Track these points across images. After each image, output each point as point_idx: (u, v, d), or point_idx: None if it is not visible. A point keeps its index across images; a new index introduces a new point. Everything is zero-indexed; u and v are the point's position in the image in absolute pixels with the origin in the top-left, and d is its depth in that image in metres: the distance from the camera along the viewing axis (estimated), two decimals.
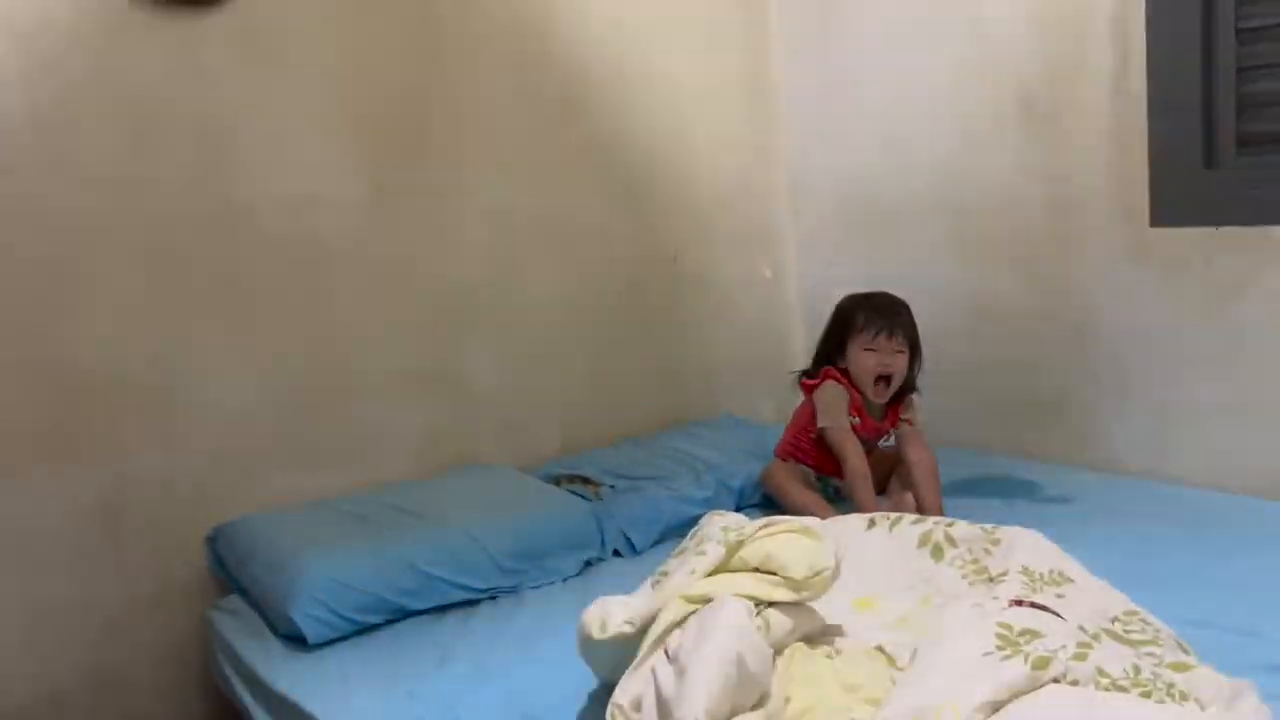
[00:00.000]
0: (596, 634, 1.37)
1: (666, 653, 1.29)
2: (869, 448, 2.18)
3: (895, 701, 1.16)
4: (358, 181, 2.21)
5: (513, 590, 1.89)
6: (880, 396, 2.15)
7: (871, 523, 1.86)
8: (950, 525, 1.79)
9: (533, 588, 1.91)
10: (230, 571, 1.99)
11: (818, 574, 1.35)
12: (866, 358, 2.13)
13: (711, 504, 2.12)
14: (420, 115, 2.30)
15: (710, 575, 1.40)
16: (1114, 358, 2.32)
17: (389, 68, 2.24)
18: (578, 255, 2.58)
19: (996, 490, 2.22)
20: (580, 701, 1.46)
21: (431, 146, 2.32)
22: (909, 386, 2.20)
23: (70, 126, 1.87)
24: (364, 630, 1.76)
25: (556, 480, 2.29)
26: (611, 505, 2.13)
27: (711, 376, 2.86)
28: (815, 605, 1.42)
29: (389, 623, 1.79)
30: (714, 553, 1.41)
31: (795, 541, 1.40)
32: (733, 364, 2.91)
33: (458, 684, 1.56)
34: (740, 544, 1.41)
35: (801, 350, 2.97)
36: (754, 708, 1.23)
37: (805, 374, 2.25)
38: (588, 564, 2.00)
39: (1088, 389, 2.37)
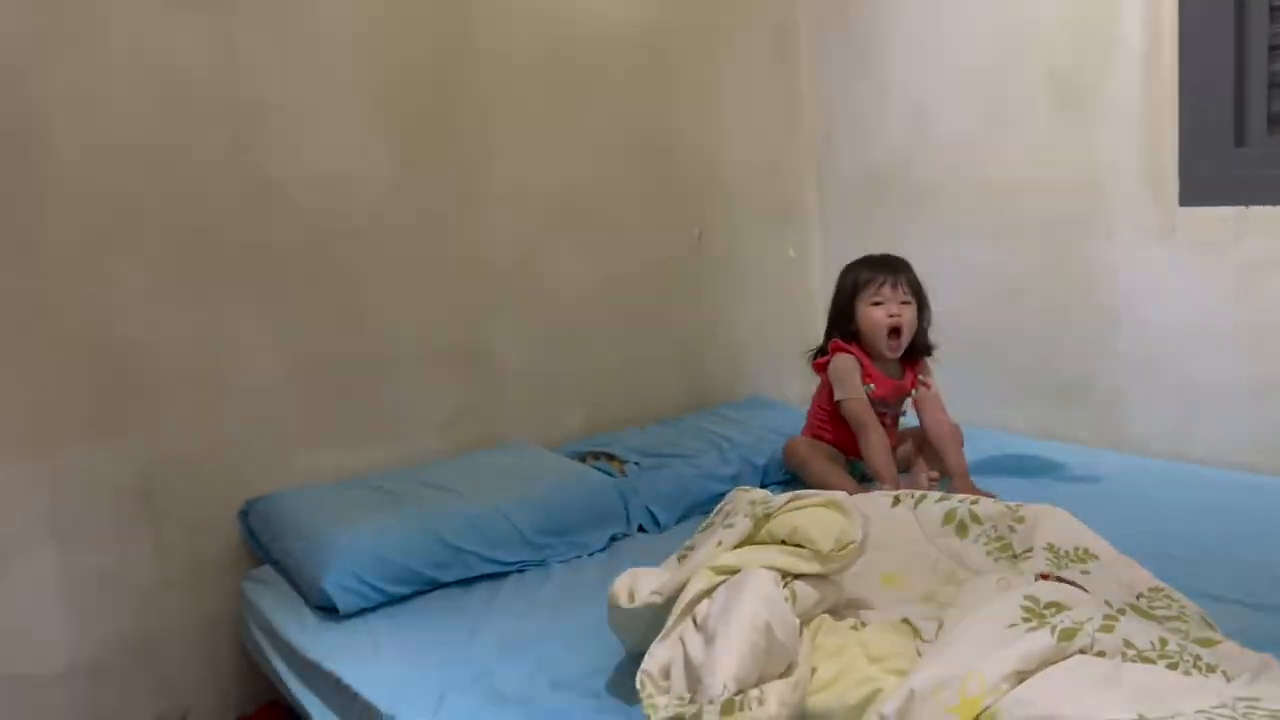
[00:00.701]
0: (625, 603, 1.39)
1: (695, 622, 1.31)
2: (891, 411, 2.20)
3: (921, 671, 1.17)
4: (387, 161, 2.23)
5: (540, 564, 1.92)
6: (894, 351, 2.15)
7: (896, 500, 1.88)
8: (975, 503, 1.80)
9: (560, 562, 1.93)
10: (263, 544, 2.02)
11: (844, 547, 1.37)
12: (874, 312, 2.13)
13: (736, 481, 2.14)
14: (449, 95, 2.31)
15: (738, 547, 1.42)
16: (1141, 338, 2.31)
17: (418, 48, 2.26)
18: (603, 235, 2.59)
19: (1023, 470, 2.22)
20: (608, 671, 1.48)
21: (459, 126, 2.33)
22: (923, 346, 2.21)
23: (105, 103, 1.90)
24: (394, 601, 1.79)
25: (582, 458, 2.31)
26: (637, 482, 2.15)
27: (737, 357, 2.87)
28: (842, 579, 1.44)
29: (419, 594, 1.81)
30: (741, 525, 1.43)
31: (822, 515, 1.41)
32: (758, 344, 2.91)
33: (488, 653, 1.58)
34: (768, 517, 1.43)
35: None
36: (781, 676, 1.25)
37: (816, 355, 2.26)
38: (613, 539, 2.03)
39: (1115, 370, 2.37)
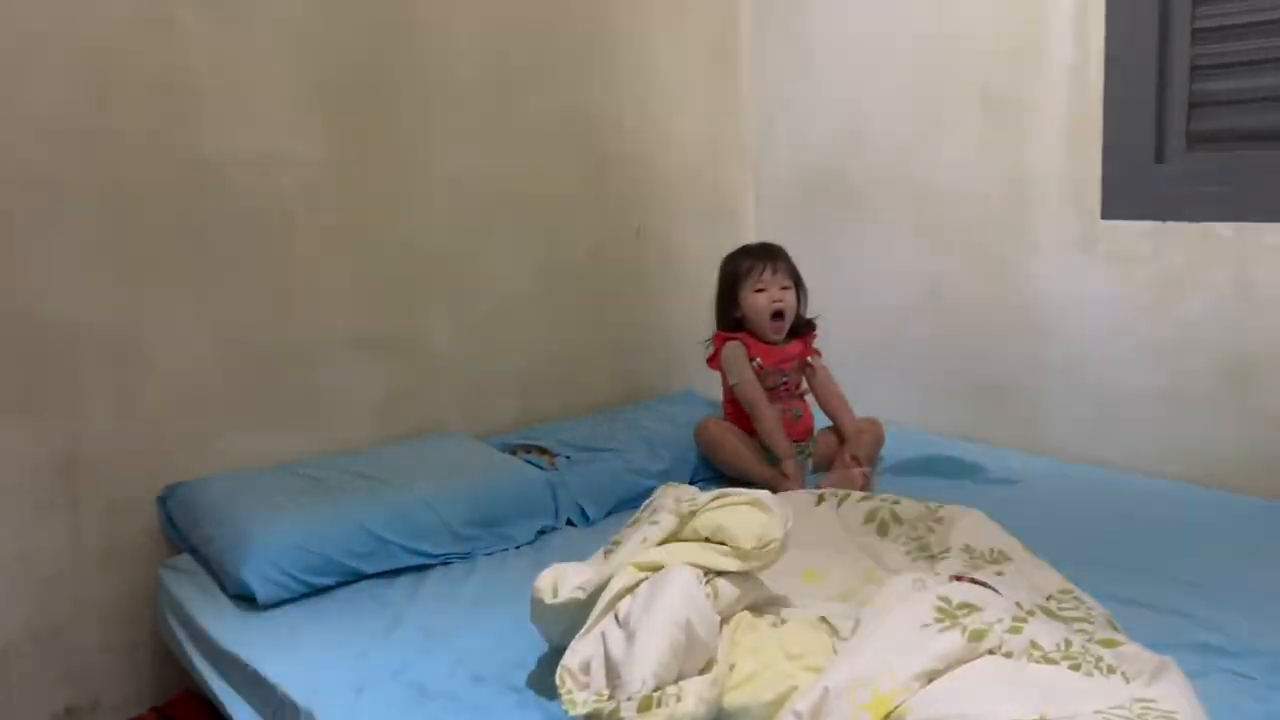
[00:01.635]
0: (549, 599, 1.40)
1: (617, 618, 1.31)
2: (789, 379, 2.31)
3: (835, 669, 1.19)
4: (322, 143, 2.20)
5: (466, 556, 1.91)
6: (778, 332, 2.28)
7: (820, 499, 1.92)
8: (896, 503, 1.85)
9: (486, 554, 1.93)
10: (182, 531, 1.98)
11: (766, 545, 1.39)
12: (759, 298, 2.26)
13: (667, 477, 2.15)
14: (386, 79, 2.28)
15: (662, 544, 1.43)
16: (1061, 345, 2.37)
17: (356, 30, 2.22)
18: (542, 226, 2.58)
19: (943, 471, 2.27)
20: (530, 665, 1.48)
21: (397, 111, 2.30)
22: (806, 322, 2.34)
23: (27, 77, 1.84)
24: (315, 592, 1.77)
25: (513, 450, 2.30)
26: (567, 475, 2.15)
27: (672, 352, 2.88)
28: (763, 576, 1.46)
29: (341, 585, 1.80)
30: (666, 522, 1.44)
31: (746, 513, 1.43)
32: (695, 340, 2.92)
33: (409, 646, 1.57)
34: (692, 514, 1.45)
35: None
36: (700, 673, 1.26)
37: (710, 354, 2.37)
38: (541, 533, 2.02)
39: (1035, 375, 2.43)
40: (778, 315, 2.27)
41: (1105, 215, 2.25)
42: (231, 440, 2.12)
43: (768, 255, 2.29)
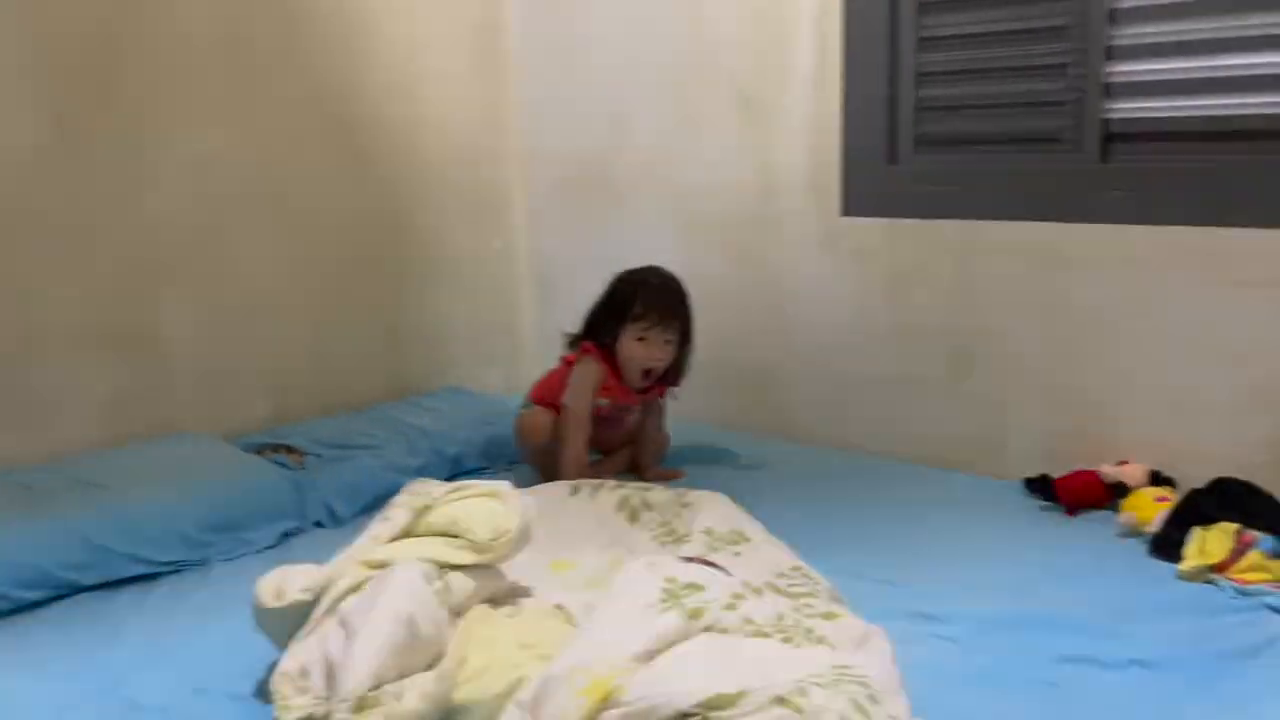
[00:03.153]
0: (271, 602, 1.34)
1: (340, 618, 1.27)
2: (631, 414, 2.25)
3: (562, 656, 1.20)
4: (35, 121, 2.02)
5: (200, 563, 1.81)
6: (641, 384, 2.18)
7: (575, 489, 1.94)
8: (647, 490, 1.90)
9: (223, 560, 1.83)
10: None
11: (500, 537, 1.38)
12: (636, 348, 2.12)
13: (424, 473, 2.09)
14: (112, 53, 2.12)
15: (396, 540, 1.40)
16: (808, 335, 2.50)
17: None
18: (295, 213, 2.47)
19: (699, 457, 2.35)
20: (259, 673, 1.41)
21: (124, 88, 2.14)
22: (677, 374, 2.23)
23: None
24: (22, 609, 1.64)
25: (258, 450, 2.19)
26: (315, 475, 2.07)
27: (438, 346, 2.83)
28: (512, 567, 1.45)
29: (54, 599, 1.67)
30: (398, 518, 1.41)
31: (481, 505, 1.42)
32: (460, 334, 2.88)
33: (126, 661, 1.48)
34: (427, 508, 1.42)
35: (530, 322, 3.01)
36: (428, 669, 1.24)
37: (573, 343, 2.21)
38: (286, 535, 1.94)
39: (785, 364, 2.55)
40: (647, 373, 2.15)
41: (845, 213, 2.38)
42: None
43: (666, 310, 2.12)
